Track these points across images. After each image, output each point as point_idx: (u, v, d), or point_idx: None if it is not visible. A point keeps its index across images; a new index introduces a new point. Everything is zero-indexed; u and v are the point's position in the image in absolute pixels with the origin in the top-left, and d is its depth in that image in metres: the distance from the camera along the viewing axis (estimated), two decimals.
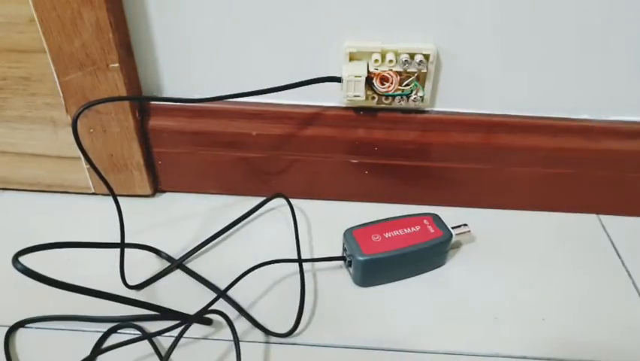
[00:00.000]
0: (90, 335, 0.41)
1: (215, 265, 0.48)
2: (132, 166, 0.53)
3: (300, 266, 0.47)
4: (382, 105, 0.50)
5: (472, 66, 0.48)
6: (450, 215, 0.49)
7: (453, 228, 0.48)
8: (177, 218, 0.54)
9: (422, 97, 0.49)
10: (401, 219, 0.48)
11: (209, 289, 0.46)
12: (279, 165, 0.54)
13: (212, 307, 0.41)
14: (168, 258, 0.49)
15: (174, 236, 0.51)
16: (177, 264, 0.48)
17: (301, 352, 0.41)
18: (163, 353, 0.40)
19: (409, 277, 0.47)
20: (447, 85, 0.50)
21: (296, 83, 0.48)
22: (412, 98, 0.49)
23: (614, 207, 0.55)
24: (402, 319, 0.44)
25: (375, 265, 0.45)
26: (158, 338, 0.41)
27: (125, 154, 0.52)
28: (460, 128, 0.51)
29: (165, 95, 0.52)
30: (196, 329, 0.42)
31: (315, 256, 0.49)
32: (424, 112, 0.51)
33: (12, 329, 0.42)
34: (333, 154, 0.53)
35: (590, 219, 0.55)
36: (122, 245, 0.44)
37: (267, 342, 0.42)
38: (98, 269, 0.47)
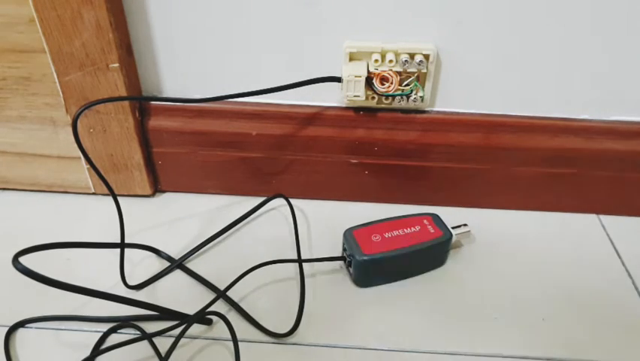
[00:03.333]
0: (90, 335, 0.41)
1: (215, 265, 0.48)
2: (132, 166, 0.53)
3: (300, 266, 0.47)
4: (382, 105, 0.50)
5: (472, 66, 0.48)
6: (450, 215, 0.49)
7: (453, 228, 0.48)
8: (177, 218, 0.54)
9: (422, 97, 0.49)
10: (401, 219, 0.48)
11: (209, 289, 0.46)
12: (279, 165, 0.54)
13: (212, 307, 0.41)
14: (168, 258, 0.49)
15: (174, 236, 0.51)
16: (177, 264, 0.48)
17: (301, 352, 0.41)
18: (163, 353, 0.40)
19: (409, 277, 0.47)
20: (447, 85, 0.50)
21: (296, 83, 0.48)
22: (412, 98, 0.49)
23: (614, 207, 0.55)
24: (402, 319, 0.44)
25: (375, 265, 0.45)
26: (158, 338, 0.41)
27: (125, 154, 0.52)
28: (460, 128, 0.51)
29: (165, 95, 0.52)
30: (196, 329, 0.42)
31: (315, 256, 0.49)
32: (424, 112, 0.51)
33: (12, 329, 0.42)
34: (333, 154, 0.53)
35: (590, 219, 0.55)
36: (122, 245, 0.44)
37: (266, 342, 0.41)
38: (98, 269, 0.47)
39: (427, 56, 0.47)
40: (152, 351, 0.40)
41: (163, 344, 0.41)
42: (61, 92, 0.49)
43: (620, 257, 0.50)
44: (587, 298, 0.46)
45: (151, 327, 0.42)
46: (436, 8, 0.45)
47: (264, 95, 0.48)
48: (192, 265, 0.48)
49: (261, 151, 0.53)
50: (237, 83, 0.51)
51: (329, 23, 0.47)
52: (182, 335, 0.38)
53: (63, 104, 0.50)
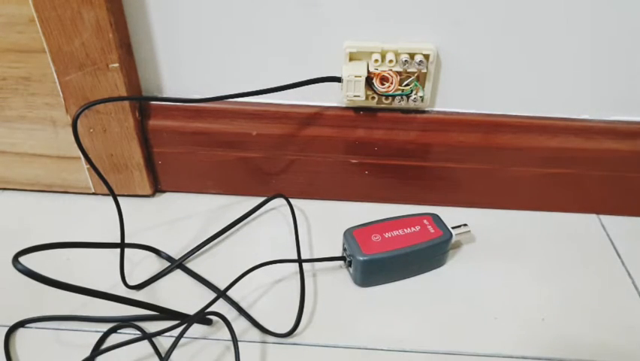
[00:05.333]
0: (90, 335, 0.41)
1: (215, 265, 0.48)
2: (132, 166, 0.53)
3: (300, 266, 0.47)
4: (382, 105, 0.50)
5: (472, 66, 0.48)
6: (450, 215, 0.49)
7: (453, 228, 0.48)
8: (177, 218, 0.54)
9: (422, 97, 0.49)
10: (401, 219, 0.48)
11: (209, 289, 0.46)
12: (279, 165, 0.54)
13: (212, 307, 0.41)
14: (168, 258, 0.49)
15: (174, 236, 0.51)
16: (177, 264, 0.48)
17: (301, 352, 0.41)
18: (163, 353, 0.40)
19: (409, 277, 0.47)
20: (447, 85, 0.50)
21: (296, 83, 0.48)
22: (412, 98, 0.49)
23: (614, 207, 0.55)
24: (402, 319, 0.44)
25: (375, 265, 0.45)
26: (158, 338, 0.41)
27: (125, 154, 0.52)
28: (460, 128, 0.51)
29: (165, 95, 0.52)
30: (196, 329, 0.42)
31: (315, 256, 0.49)
32: (424, 112, 0.51)
33: (12, 329, 0.42)
34: (333, 154, 0.53)
35: (590, 219, 0.55)
36: (122, 245, 0.44)
37: (267, 342, 0.42)
38: (98, 269, 0.47)
39: (427, 56, 0.47)
40: (152, 351, 0.40)
41: (163, 344, 0.41)
42: (61, 92, 0.49)
43: (620, 257, 0.50)
44: (587, 298, 0.46)
45: (151, 327, 0.42)
46: (436, 8, 0.45)
47: (264, 95, 0.48)
48: (192, 265, 0.48)
49: (261, 151, 0.53)
50: (237, 83, 0.51)
51: (329, 23, 0.47)
52: (182, 335, 0.38)
53: (63, 104, 0.50)
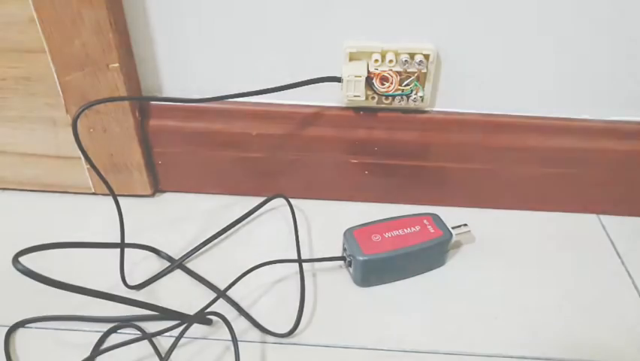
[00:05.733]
0: (90, 335, 0.41)
1: (215, 265, 0.48)
2: (132, 166, 0.53)
3: (300, 266, 0.47)
4: (382, 105, 0.50)
5: (472, 66, 0.48)
6: (450, 215, 0.49)
7: (453, 228, 0.48)
8: (177, 218, 0.54)
9: (422, 97, 0.49)
10: (401, 219, 0.48)
11: (209, 289, 0.46)
12: (279, 165, 0.54)
13: (212, 307, 0.41)
14: (168, 258, 0.49)
15: (174, 236, 0.51)
16: (177, 264, 0.48)
17: (301, 352, 0.41)
18: (163, 353, 0.40)
19: (408, 277, 0.47)
20: (447, 85, 0.50)
21: (296, 83, 0.48)
22: (412, 98, 0.49)
23: (614, 207, 0.55)
24: (402, 319, 0.44)
25: (376, 265, 0.45)
26: (158, 338, 0.41)
27: (125, 154, 0.52)
28: (460, 128, 0.51)
29: (165, 95, 0.52)
30: (196, 329, 0.42)
31: (315, 256, 0.49)
32: (424, 112, 0.51)
33: (12, 329, 0.42)
34: (333, 154, 0.53)
35: (590, 219, 0.55)
36: (122, 245, 0.44)
37: (267, 342, 0.42)
38: (98, 269, 0.47)
39: (427, 56, 0.47)
40: (152, 351, 0.40)
41: (163, 344, 0.41)
42: (61, 92, 0.49)
43: (620, 257, 0.50)
44: (587, 299, 0.46)
45: (151, 327, 0.42)
46: (436, 8, 0.45)
47: (264, 95, 0.48)
48: (192, 265, 0.48)
49: (261, 151, 0.53)
50: (237, 83, 0.51)
51: (329, 23, 0.47)
52: (182, 335, 0.38)
53: (63, 104, 0.50)
